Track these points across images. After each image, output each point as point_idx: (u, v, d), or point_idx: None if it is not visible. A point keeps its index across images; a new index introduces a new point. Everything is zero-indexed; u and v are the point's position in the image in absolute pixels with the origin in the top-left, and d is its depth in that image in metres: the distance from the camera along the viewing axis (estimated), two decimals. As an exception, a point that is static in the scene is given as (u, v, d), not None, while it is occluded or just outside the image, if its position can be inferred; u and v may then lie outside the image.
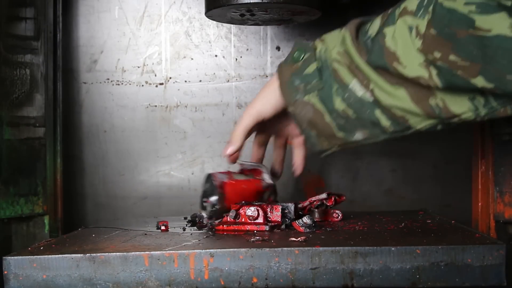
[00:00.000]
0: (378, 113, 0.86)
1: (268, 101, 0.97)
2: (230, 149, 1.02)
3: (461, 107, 0.81)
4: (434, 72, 0.78)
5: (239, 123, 1.01)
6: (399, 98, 0.83)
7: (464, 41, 0.75)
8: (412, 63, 0.80)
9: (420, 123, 0.85)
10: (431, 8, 0.77)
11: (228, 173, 1.04)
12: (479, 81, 0.76)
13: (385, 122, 0.86)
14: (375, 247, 0.78)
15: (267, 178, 1.04)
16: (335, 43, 0.89)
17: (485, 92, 0.78)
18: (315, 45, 0.92)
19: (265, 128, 1.06)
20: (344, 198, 1.05)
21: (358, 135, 0.89)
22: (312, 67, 0.90)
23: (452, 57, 0.76)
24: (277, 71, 0.95)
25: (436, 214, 1.10)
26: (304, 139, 0.99)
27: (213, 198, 0.99)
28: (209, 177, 1.01)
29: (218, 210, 0.99)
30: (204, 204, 1.00)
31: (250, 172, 1.06)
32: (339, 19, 1.30)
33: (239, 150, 1.02)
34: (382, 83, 0.84)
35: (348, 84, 0.86)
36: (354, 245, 0.79)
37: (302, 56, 0.92)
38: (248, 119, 1.00)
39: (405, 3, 0.82)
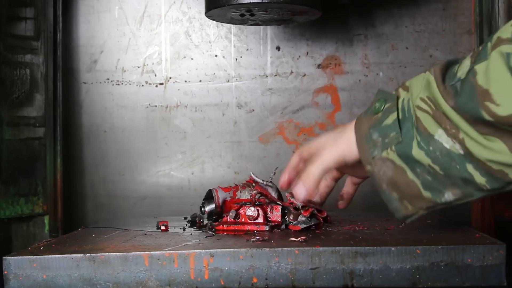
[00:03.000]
0: (470, 168, 0.73)
1: (349, 153, 0.84)
2: (302, 193, 0.86)
3: None
4: None
5: (317, 162, 0.86)
6: (494, 150, 0.71)
7: None
8: (507, 100, 0.68)
9: None
10: None
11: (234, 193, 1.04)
12: None
13: (479, 178, 0.73)
14: (375, 247, 0.78)
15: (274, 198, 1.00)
16: (419, 90, 0.77)
17: None
18: (399, 93, 0.80)
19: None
20: (325, 213, 0.99)
21: (449, 195, 0.76)
22: (391, 118, 0.78)
23: None
24: (355, 123, 0.83)
25: (436, 214, 1.10)
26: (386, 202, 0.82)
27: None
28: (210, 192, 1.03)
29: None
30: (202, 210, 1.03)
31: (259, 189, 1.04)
32: (339, 19, 1.32)
33: (309, 195, 0.87)
34: (474, 133, 0.72)
35: (433, 135, 0.74)
36: (354, 245, 0.79)
37: (383, 106, 0.80)
38: (328, 165, 0.86)
39: (498, 33, 0.70)
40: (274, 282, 0.78)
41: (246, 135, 1.33)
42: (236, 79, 1.33)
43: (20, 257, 0.81)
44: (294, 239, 0.84)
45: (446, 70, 0.76)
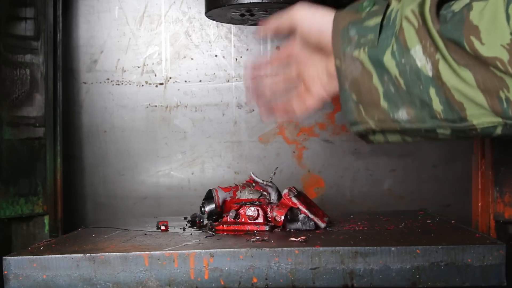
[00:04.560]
0: (432, 92, 0.73)
1: (315, 18, 0.83)
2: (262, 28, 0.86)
3: None
4: None
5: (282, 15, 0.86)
6: (463, 80, 0.71)
7: None
8: (494, 42, 0.67)
9: (478, 118, 0.72)
10: None
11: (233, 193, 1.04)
12: None
13: (437, 105, 0.73)
14: (375, 247, 0.78)
15: (274, 199, 1.00)
16: (412, 3, 0.76)
17: None
18: (390, 1, 0.78)
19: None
20: (325, 223, 0.96)
21: (402, 113, 0.75)
22: (375, 21, 0.77)
23: None
24: (335, 14, 0.81)
25: (436, 214, 1.10)
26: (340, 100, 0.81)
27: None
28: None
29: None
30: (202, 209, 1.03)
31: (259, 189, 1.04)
32: (339, 19, 1.32)
33: (268, 31, 0.86)
34: (449, 58, 0.71)
35: (410, 49, 0.73)
36: (354, 245, 0.79)
37: (370, 7, 0.79)
38: (289, 18, 0.85)
39: None
40: (274, 282, 0.78)
41: (246, 135, 1.33)
42: (236, 79, 1.33)
43: (20, 257, 0.81)
44: (294, 239, 0.84)
45: (443, 1, 0.75)
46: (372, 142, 0.81)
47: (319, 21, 0.82)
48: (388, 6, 0.78)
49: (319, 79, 0.88)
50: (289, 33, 0.87)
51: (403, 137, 0.79)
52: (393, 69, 0.75)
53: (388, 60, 0.75)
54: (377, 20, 0.77)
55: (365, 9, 0.79)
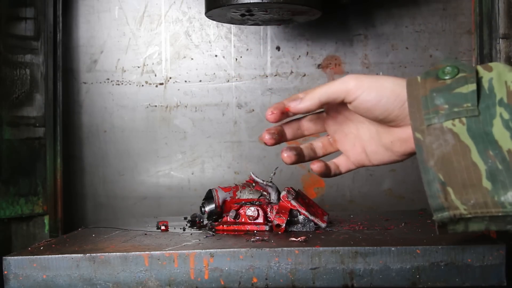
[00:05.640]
0: None
1: (380, 90, 0.72)
2: (294, 103, 0.76)
3: None
4: None
5: (324, 85, 0.75)
6: None
7: None
8: None
9: None
10: None
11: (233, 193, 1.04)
12: None
13: None
14: (375, 247, 0.78)
15: (274, 199, 1.00)
16: (510, 68, 0.68)
17: None
18: (477, 69, 0.69)
19: (329, 119, 0.82)
20: (325, 222, 0.96)
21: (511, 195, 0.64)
22: (468, 88, 0.67)
23: None
24: (407, 81, 0.71)
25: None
26: (424, 183, 0.69)
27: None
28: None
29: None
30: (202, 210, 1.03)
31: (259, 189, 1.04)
32: (339, 19, 1.32)
33: (302, 112, 0.76)
34: None
35: None
36: (354, 245, 0.79)
37: (456, 74, 0.68)
38: (339, 86, 0.74)
39: None
40: (274, 282, 0.78)
41: (246, 135, 1.33)
42: (236, 79, 1.33)
43: (20, 257, 0.81)
44: (294, 239, 0.84)
45: None
46: (447, 232, 0.69)
47: (384, 90, 0.72)
48: (477, 72, 0.68)
49: (360, 145, 0.80)
50: (337, 104, 0.77)
51: (488, 225, 0.67)
52: (507, 142, 0.64)
53: (499, 131, 0.65)
54: (471, 87, 0.67)
55: (448, 75, 0.69)
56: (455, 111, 0.66)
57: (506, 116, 0.65)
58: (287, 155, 0.79)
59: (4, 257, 0.81)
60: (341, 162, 0.82)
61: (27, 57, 1.12)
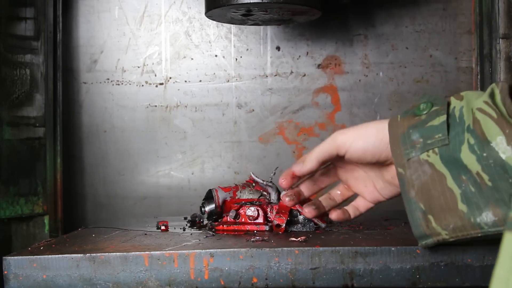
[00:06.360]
0: None
1: (365, 138, 0.80)
2: (298, 167, 0.86)
3: None
4: None
5: (318, 145, 0.85)
6: None
7: None
8: None
9: None
10: None
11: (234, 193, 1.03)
12: None
13: None
14: (375, 247, 0.78)
15: (274, 198, 1.00)
16: (479, 96, 0.71)
17: None
18: (449, 100, 0.74)
19: (338, 169, 0.91)
20: (325, 222, 0.96)
21: (487, 215, 0.67)
22: (439, 120, 0.72)
23: None
24: (388, 123, 0.77)
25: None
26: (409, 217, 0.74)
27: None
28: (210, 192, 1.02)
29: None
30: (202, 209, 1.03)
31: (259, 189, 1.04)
32: (339, 19, 1.32)
33: (306, 173, 0.87)
34: None
35: (490, 141, 0.67)
36: (354, 245, 0.79)
37: (429, 109, 0.74)
38: (330, 144, 0.83)
39: None
40: (274, 282, 0.78)
41: (246, 135, 1.33)
42: (236, 79, 1.33)
43: (20, 257, 0.81)
44: (294, 239, 0.84)
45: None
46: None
47: (368, 138, 0.80)
48: (448, 104, 0.73)
49: (372, 184, 0.88)
50: (333, 160, 0.86)
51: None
52: (474, 165, 0.67)
53: (466, 156, 0.68)
54: (442, 118, 0.72)
55: (423, 111, 0.74)
56: (428, 143, 0.71)
57: (471, 141, 0.68)
58: (308, 211, 0.91)
59: (4, 257, 0.81)
60: (359, 204, 0.91)
61: (27, 57, 1.12)
